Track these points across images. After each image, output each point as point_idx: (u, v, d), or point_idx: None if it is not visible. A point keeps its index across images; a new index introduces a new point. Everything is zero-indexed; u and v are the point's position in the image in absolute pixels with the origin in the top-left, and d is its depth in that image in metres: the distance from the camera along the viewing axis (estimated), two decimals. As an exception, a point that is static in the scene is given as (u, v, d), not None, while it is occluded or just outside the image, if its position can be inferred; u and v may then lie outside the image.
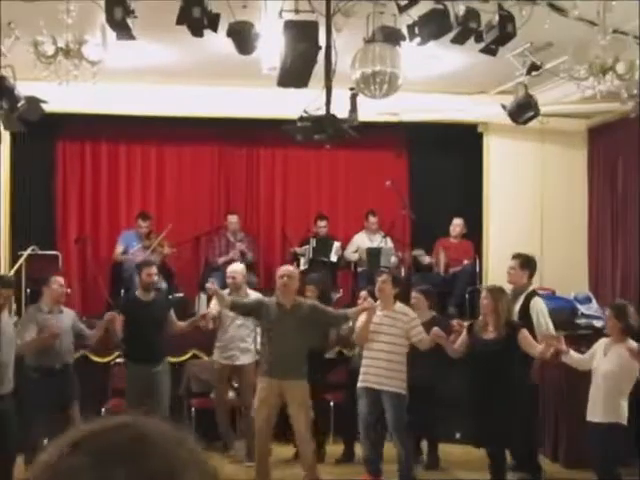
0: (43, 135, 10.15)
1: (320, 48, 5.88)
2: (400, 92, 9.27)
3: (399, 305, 7.31)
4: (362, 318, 7.20)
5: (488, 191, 11.22)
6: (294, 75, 6.06)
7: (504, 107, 8.14)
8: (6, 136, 10.04)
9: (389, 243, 10.58)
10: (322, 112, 6.00)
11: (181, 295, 10.15)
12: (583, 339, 8.35)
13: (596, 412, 6.35)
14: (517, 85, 8.04)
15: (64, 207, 10.93)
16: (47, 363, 7.27)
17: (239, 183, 11.38)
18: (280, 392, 6.95)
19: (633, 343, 6.26)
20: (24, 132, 8.39)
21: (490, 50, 6.44)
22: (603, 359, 6.39)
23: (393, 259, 10.57)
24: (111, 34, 5.82)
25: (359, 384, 7.23)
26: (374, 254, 10.44)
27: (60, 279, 7.63)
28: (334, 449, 8.48)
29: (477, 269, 10.84)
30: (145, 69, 9.37)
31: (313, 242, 10.65)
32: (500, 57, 7.26)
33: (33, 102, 7.38)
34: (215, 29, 6.06)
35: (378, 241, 10.61)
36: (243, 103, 10.28)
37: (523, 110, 7.98)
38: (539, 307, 7.60)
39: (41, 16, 5.80)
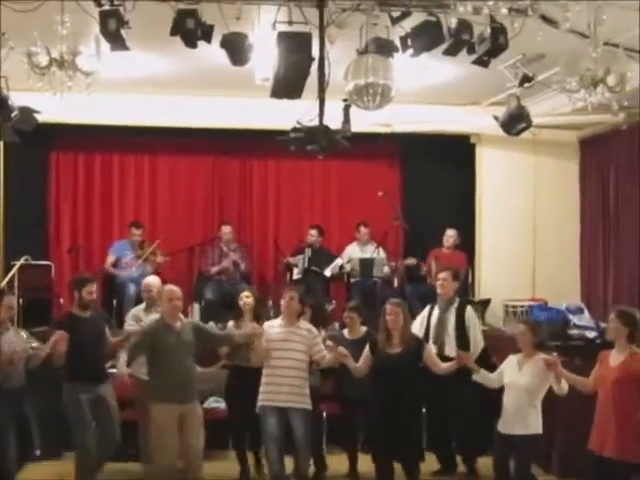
0: (36, 145, 10.12)
1: (313, 59, 5.90)
2: (393, 103, 9.27)
3: (303, 322, 7.13)
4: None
5: (481, 202, 11.27)
6: (287, 86, 6.08)
7: (496, 118, 8.17)
8: (0, 146, 10.08)
9: (382, 253, 10.60)
10: (315, 123, 6.02)
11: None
12: (575, 350, 8.36)
13: (516, 425, 6.48)
14: (509, 96, 8.08)
15: (57, 217, 10.94)
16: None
17: (232, 193, 11.39)
18: (179, 416, 6.68)
19: (546, 356, 6.48)
20: (17, 142, 8.39)
21: (482, 62, 6.47)
22: (518, 374, 6.55)
23: (386, 269, 10.60)
24: (105, 45, 5.84)
25: (264, 402, 6.95)
26: (367, 265, 10.46)
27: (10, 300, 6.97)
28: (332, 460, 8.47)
29: (470, 280, 10.86)
30: (139, 80, 9.38)
31: (309, 252, 10.66)
32: (492, 68, 7.29)
33: (26, 112, 7.39)
34: (209, 40, 6.08)
35: (370, 252, 10.62)
36: (237, 114, 10.32)
37: (515, 121, 8.02)
38: (474, 319, 7.98)
39: (35, 27, 5.79)
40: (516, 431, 6.48)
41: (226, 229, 10.69)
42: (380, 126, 10.51)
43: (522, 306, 10.27)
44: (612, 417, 5.92)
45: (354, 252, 10.86)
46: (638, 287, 9.82)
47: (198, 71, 8.91)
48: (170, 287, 7.00)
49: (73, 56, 5.62)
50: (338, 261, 10.72)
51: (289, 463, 7.13)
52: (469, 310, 8.06)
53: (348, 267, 10.77)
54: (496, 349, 7.34)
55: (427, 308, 8.33)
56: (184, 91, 9.93)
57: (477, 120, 10.40)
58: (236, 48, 6.10)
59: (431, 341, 7.93)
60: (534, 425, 6.50)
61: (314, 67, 6.03)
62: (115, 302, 9.92)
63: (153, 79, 9.39)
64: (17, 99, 7.14)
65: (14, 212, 10.38)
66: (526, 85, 7.77)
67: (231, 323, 7.74)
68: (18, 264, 9.36)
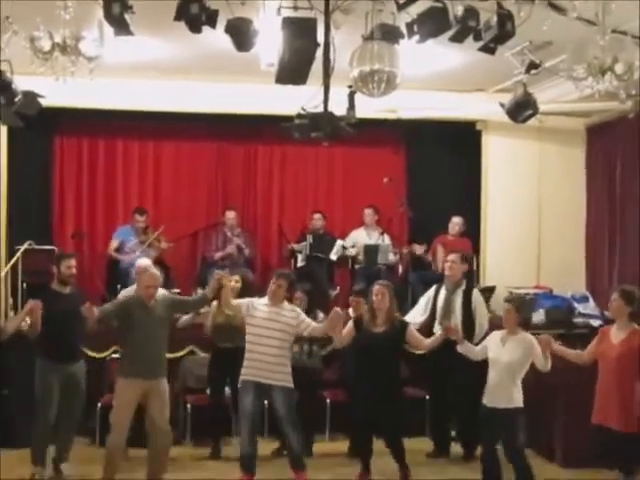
0: (40, 130, 10.12)
1: (318, 45, 5.83)
2: (399, 90, 9.25)
3: (287, 303, 7.19)
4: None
5: (486, 189, 11.23)
6: (292, 72, 6.01)
7: (502, 105, 8.11)
8: (3, 131, 10.05)
9: (387, 240, 10.58)
10: (320, 110, 5.97)
11: (178, 291, 10.13)
12: (580, 338, 8.33)
13: (500, 399, 6.61)
14: (516, 83, 8.01)
15: (61, 202, 10.91)
16: None
17: (237, 179, 11.36)
18: (143, 392, 6.76)
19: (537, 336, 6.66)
20: (21, 127, 8.36)
21: (489, 49, 6.40)
22: (501, 350, 6.69)
23: (391, 256, 10.58)
24: (109, 30, 5.79)
25: (245, 377, 7.01)
26: (372, 251, 10.44)
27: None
28: (333, 446, 8.52)
29: (475, 267, 10.83)
30: (143, 65, 9.34)
31: (310, 238, 10.65)
32: (499, 55, 7.21)
33: (30, 97, 7.34)
34: (213, 25, 6.01)
35: (376, 238, 10.60)
36: (241, 99, 10.26)
37: (522, 108, 7.95)
38: (481, 303, 8.20)
39: (38, 11, 5.76)
40: (499, 404, 6.62)
41: (230, 214, 10.67)
42: (386, 112, 10.44)
43: (527, 294, 10.24)
44: (614, 391, 6.22)
45: (360, 237, 10.84)
46: (643, 275, 9.80)
47: (203, 56, 8.86)
48: (151, 273, 7.05)
49: (76, 41, 5.57)
50: (339, 242, 10.73)
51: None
52: (476, 293, 8.25)
53: (353, 251, 10.75)
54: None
55: (433, 289, 8.43)
56: (189, 76, 9.89)
57: (483, 107, 10.34)
58: (241, 33, 6.04)
59: (437, 322, 8.01)
60: (516, 399, 6.62)
61: (319, 53, 5.97)
62: (119, 287, 9.88)
63: (157, 64, 9.35)
64: (21, 83, 7.12)
65: (18, 197, 10.33)
66: (533, 72, 7.69)
67: (215, 303, 7.81)
68: (22, 249, 9.36)
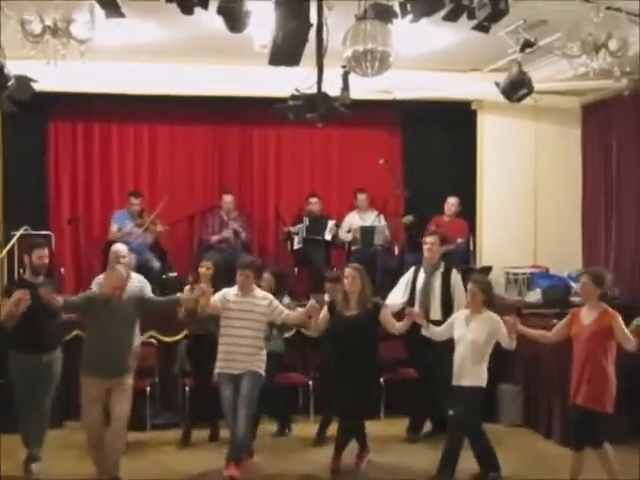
0: (34, 114, 10.08)
1: (311, 26, 5.81)
2: (394, 70, 9.17)
3: (258, 290, 7.22)
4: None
5: (482, 169, 11.21)
6: (285, 53, 5.99)
7: (497, 84, 8.10)
8: (-3, 116, 10.03)
9: (382, 221, 10.57)
10: (314, 90, 5.95)
11: (174, 274, 10.13)
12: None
13: (464, 377, 6.87)
14: (510, 62, 7.99)
15: (56, 187, 10.86)
16: None
17: (232, 162, 11.32)
18: (106, 389, 6.67)
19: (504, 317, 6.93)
20: (15, 112, 8.33)
21: (482, 27, 6.36)
22: (466, 329, 6.96)
23: (387, 237, 10.59)
24: (100, 12, 5.76)
25: (221, 370, 7.06)
26: (368, 232, 10.44)
27: None
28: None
29: (471, 247, 10.83)
30: (137, 47, 9.27)
31: (306, 221, 10.64)
32: (494, 35, 7.19)
33: (23, 81, 7.30)
34: (205, 7, 5.97)
35: (371, 219, 10.59)
36: (236, 82, 10.20)
37: (516, 87, 7.94)
38: (459, 284, 8.17)
39: (29, -5, 5.75)
40: (463, 382, 6.87)
41: (227, 198, 10.63)
42: (381, 93, 10.41)
43: (523, 273, 10.26)
44: (586, 370, 6.45)
45: (354, 220, 10.83)
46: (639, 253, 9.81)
47: (196, 38, 8.82)
48: (118, 275, 6.80)
49: (67, 24, 5.54)
50: (331, 222, 10.71)
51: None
52: (454, 275, 8.27)
53: (349, 236, 10.74)
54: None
55: (411, 271, 8.49)
56: (183, 59, 9.83)
57: (478, 86, 10.30)
58: (233, 15, 5.99)
59: (417, 305, 8.09)
60: (479, 378, 6.90)
61: (312, 34, 5.94)
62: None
63: (151, 47, 9.28)
64: (14, 68, 7.08)
65: (13, 182, 10.31)
66: (528, 51, 7.66)
67: (187, 288, 7.69)
68: (18, 234, 9.33)
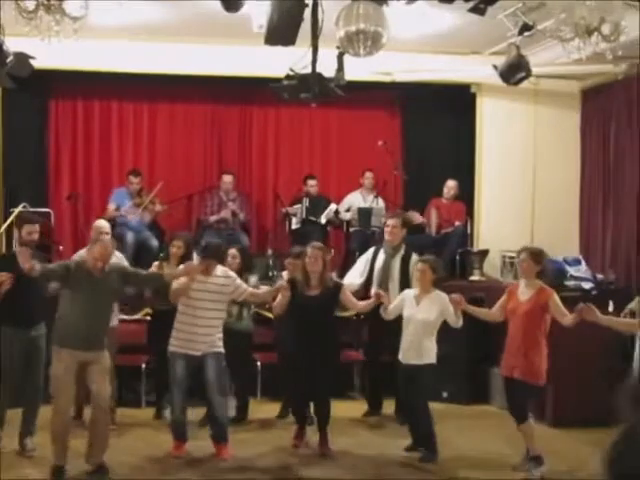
0: (35, 92, 10.15)
1: (306, 5, 5.85)
2: (393, 52, 9.31)
3: (221, 269, 7.10)
4: (182, 279, 6.95)
5: (481, 152, 11.21)
6: (281, 33, 6.03)
7: (495, 68, 8.13)
8: (-3, 93, 10.06)
9: (380, 203, 10.59)
10: (309, 70, 5.98)
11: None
12: (571, 300, 8.38)
13: (414, 355, 6.99)
14: (509, 45, 8.01)
15: (56, 164, 10.90)
16: None
17: (232, 142, 11.34)
18: (80, 364, 6.39)
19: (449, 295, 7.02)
20: (15, 89, 8.36)
21: (479, 9, 6.41)
22: (416, 308, 7.05)
23: (384, 219, 10.59)
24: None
25: (174, 349, 6.94)
26: (365, 214, 10.46)
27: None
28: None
29: (469, 230, 10.86)
30: (136, 26, 9.31)
31: (306, 201, 10.64)
32: (493, 17, 7.23)
33: (22, 58, 7.34)
34: (202, -14, 6.02)
35: (370, 201, 10.62)
36: (236, 61, 10.21)
37: (514, 71, 7.97)
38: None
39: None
40: (412, 361, 6.99)
41: (227, 178, 10.66)
42: (381, 75, 10.43)
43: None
44: (521, 345, 6.66)
45: (356, 200, 10.83)
46: (636, 238, 9.83)
47: (195, 18, 8.87)
48: (103, 245, 6.60)
49: (60, 1, 5.56)
50: (332, 206, 10.69)
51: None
52: (414, 258, 8.21)
53: (348, 215, 10.75)
54: (494, 299, 7.42)
55: (370, 251, 8.52)
56: (183, 38, 9.85)
57: (478, 69, 10.29)
58: (229, -6, 6.04)
59: (375, 286, 8.13)
60: (429, 355, 7.00)
61: (308, 14, 5.97)
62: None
63: (150, 25, 9.33)
64: (14, 45, 7.11)
65: (13, 160, 10.35)
66: (526, 34, 7.68)
67: (156, 264, 7.71)
68: (16, 211, 9.35)
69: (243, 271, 7.87)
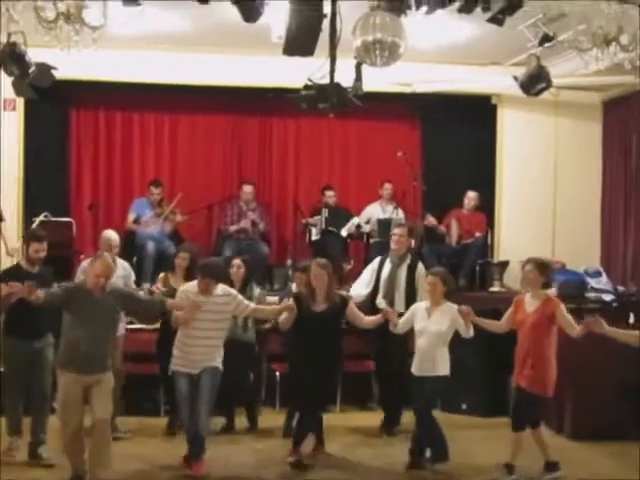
0: (57, 102, 10.25)
1: (325, 16, 5.86)
2: (413, 62, 9.32)
3: (221, 288, 6.92)
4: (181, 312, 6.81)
5: (501, 163, 11.20)
6: (299, 43, 6.05)
7: (516, 78, 8.11)
8: (20, 103, 10.15)
9: (400, 214, 10.57)
10: (327, 81, 5.99)
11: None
12: (592, 312, 8.33)
13: (429, 367, 6.94)
14: (529, 56, 7.99)
15: (77, 174, 10.99)
16: None
17: (252, 152, 11.39)
18: (84, 386, 6.27)
19: (457, 306, 6.94)
20: (37, 99, 8.44)
21: (497, 20, 6.40)
22: (428, 321, 7.02)
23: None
24: (116, 1, 5.83)
25: (176, 368, 6.86)
26: (385, 225, 10.43)
27: None
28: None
29: (489, 241, 10.82)
30: (156, 37, 9.39)
31: (325, 212, 10.65)
32: (514, 28, 7.21)
33: (44, 69, 7.42)
34: (220, -4, 6.04)
35: (390, 212, 10.61)
36: (256, 72, 10.26)
37: (535, 81, 7.95)
38: (424, 277, 7.72)
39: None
40: (426, 372, 6.96)
41: (247, 188, 10.70)
42: (400, 86, 10.45)
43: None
44: (529, 356, 6.68)
45: (375, 212, 10.84)
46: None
47: (215, 29, 8.92)
48: (104, 261, 6.41)
49: (80, 10, 5.61)
50: (354, 220, 10.68)
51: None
52: (420, 268, 8.19)
53: (368, 227, 10.76)
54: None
55: (376, 261, 8.50)
56: (203, 49, 9.92)
57: (498, 81, 10.28)
58: (247, 4, 6.06)
59: (380, 295, 8.12)
60: (442, 367, 6.98)
61: (326, 24, 5.98)
62: (135, 260, 9.95)
63: (172, 36, 9.40)
64: (35, 55, 7.18)
65: (34, 169, 10.44)
66: (546, 45, 7.65)
67: (161, 276, 7.70)
68: (37, 220, 9.42)
69: (248, 281, 7.87)
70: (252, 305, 7.11)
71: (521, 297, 6.96)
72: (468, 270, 10.39)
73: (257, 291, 8.11)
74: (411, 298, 7.88)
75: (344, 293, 7.63)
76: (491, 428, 8.45)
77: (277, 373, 8.83)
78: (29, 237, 7.11)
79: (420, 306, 7.25)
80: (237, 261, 7.98)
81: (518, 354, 6.78)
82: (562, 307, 6.69)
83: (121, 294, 6.59)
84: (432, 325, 7.00)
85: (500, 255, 10.91)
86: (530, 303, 6.78)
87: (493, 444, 7.50)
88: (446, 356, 7.02)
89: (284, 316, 7.03)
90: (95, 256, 6.65)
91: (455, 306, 6.99)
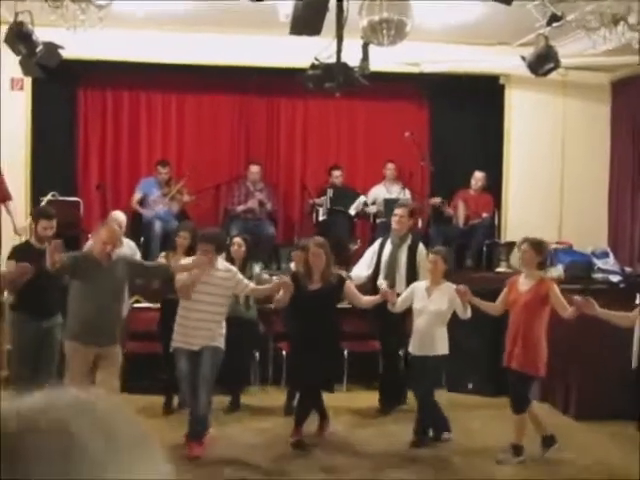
0: (64, 82, 10.23)
1: (332, -5, 5.85)
2: (421, 42, 9.29)
3: (222, 263, 6.95)
4: (185, 273, 6.80)
5: (509, 143, 11.17)
6: (306, 23, 6.03)
7: (523, 58, 8.06)
8: (28, 83, 10.15)
9: (407, 194, 10.57)
10: (334, 60, 5.99)
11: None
12: (599, 293, 8.33)
13: (429, 346, 7.00)
14: (538, 36, 7.95)
15: (85, 154, 11.01)
16: None
17: (259, 132, 11.38)
18: (93, 357, 6.32)
19: (456, 285, 6.95)
20: (45, 79, 8.45)
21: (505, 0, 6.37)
22: (428, 300, 7.06)
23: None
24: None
25: (177, 345, 6.84)
26: (392, 205, 10.42)
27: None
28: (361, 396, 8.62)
29: (496, 222, 10.82)
30: (163, 16, 9.36)
31: (330, 192, 10.65)
32: (522, 8, 7.18)
33: (51, 48, 7.42)
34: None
35: (397, 192, 10.60)
36: (264, 52, 10.24)
37: (543, 62, 7.90)
38: (425, 258, 7.75)
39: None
40: (426, 352, 7.01)
41: (254, 168, 10.70)
42: (408, 66, 10.41)
43: (547, 249, 10.21)
44: (520, 336, 6.68)
45: (380, 193, 10.84)
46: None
47: (223, 8, 8.87)
48: (110, 228, 6.53)
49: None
50: (361, 198, 10.70)
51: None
52: (421, 248, 8.20)
53: (374, 209, 10.76)
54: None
55: (377, 242, 8.51)
56: (211, 28, 9.90)
57: (506, 61, 10.22)
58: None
59: (382, 276, 8.11)
60: (441, 346, 7.04)
61: (333, 3, 5.97)
62: (142, 240, 9.98)
63: (179, 16, 9.37)
64: (43, 35, 7.18)
65: (42, 149, 10.45)
66: (555, 25, 7.61)
67: (163, 254, 7.73)
68: (45, 200, 9.45)
69: (248, 260, 7.88)
70: (251, 285, 7.10)
71: (515, 278, 6.98)
72: (475, 251, 10.40)
73: (257, 269, 8.10)
74: (412, 279, 7.86)
75: (343, 273, 7.63)
76: (497, 408, 8.44)
77: (283, 352, 8.86)
78: (38, 214, 7.11)
79: (420, 285, 7.28)
80: (238, 239, 8.00)
81: (509, 333, 6.81)
82: (555, 288, 6.69)
83: (128, 261, 6.70)
84: (432, 304, 7.05)
85: (507, 236, 10.89)
86: (524, 283, 6.79)
87: (499, 424, 7.53)
88: (445, 335, 7.06)
89: (280, 294, 7.03)
90: (101, 224, 6.74)
91: (453, 285, 7.01)
